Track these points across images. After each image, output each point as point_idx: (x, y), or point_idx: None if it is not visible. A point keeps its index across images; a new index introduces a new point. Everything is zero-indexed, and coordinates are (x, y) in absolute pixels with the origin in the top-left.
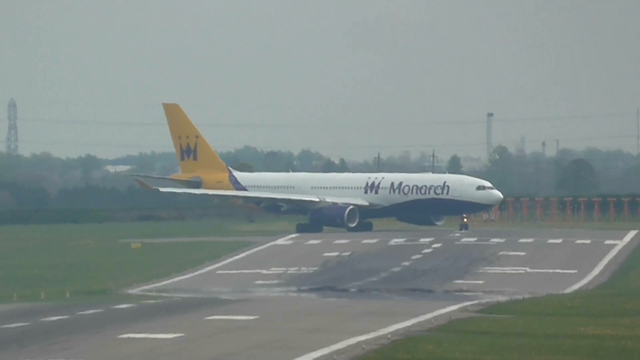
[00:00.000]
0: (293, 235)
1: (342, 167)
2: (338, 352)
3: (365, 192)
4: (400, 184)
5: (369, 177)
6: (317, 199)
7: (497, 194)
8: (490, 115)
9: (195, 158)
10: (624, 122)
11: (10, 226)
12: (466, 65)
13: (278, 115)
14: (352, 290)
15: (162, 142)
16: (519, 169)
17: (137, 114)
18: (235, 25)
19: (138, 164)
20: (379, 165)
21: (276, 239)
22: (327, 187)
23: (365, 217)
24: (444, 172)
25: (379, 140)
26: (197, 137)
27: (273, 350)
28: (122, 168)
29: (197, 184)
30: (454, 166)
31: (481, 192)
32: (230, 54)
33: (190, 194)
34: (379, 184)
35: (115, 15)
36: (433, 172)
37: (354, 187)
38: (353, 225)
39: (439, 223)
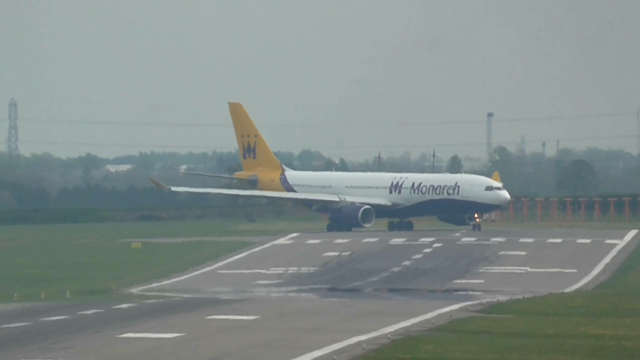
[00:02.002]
0: (293, 235)
1: (342, 167)
2: (338, 352)
3: (390, 192)
4: (420, 184)
5: (394, 177)
6: (338, 199)
7: (505, 194)
8: (490, 115)
9: (254, 156)
10: (624, 122)
11: (11, 226)
12: (466, 65)
13: (278, 115)
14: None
15: (163, 141)
16: (519, 169)
17: (137, 114)
18: (234, 25)
19: (138, 163)
20: (379, 165)
21: (276, 239)
22: (359, 187)
23: (386, 217)
24: (458, 172)
25: (379, 140)
26: (256, 135)
27: (273, 349)
28: (122, 167)
29: (254, 183)
30: (454, 166)
31: (489, 192)
32: (230, 54)
33: (190, 192)
34: (402, 184)
35: (113, 15)
36: (433, 172)
37: (381, 187)
38: (369, 224)
39: (472, 223)
